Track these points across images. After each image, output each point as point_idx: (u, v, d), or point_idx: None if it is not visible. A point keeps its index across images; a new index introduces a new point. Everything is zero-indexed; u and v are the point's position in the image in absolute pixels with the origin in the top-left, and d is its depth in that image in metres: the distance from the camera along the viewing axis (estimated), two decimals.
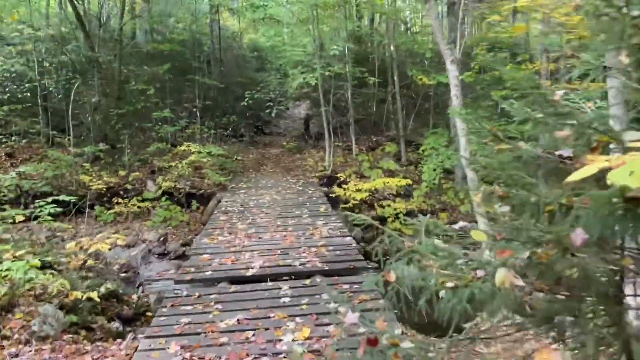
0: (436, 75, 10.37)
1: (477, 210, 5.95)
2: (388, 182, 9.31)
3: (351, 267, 5.24)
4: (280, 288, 4.71)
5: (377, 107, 15.26)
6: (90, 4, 13.55)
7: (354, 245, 6.08)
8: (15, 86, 12.12)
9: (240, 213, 8.16)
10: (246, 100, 11.89)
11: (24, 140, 11.83)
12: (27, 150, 11.72)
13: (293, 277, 5.01)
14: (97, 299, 4.82)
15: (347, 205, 9.95)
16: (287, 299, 4.45)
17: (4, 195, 8.80)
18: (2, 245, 5.35)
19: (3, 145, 11.43)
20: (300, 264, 5.26)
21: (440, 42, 7.31)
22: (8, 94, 12.12)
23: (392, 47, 13.45)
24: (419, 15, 18.32)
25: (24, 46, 12.04)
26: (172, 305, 4.46)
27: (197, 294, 4.67)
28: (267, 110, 12.03)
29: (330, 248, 5.81)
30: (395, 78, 13.03)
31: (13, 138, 11.67)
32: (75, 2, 11.50)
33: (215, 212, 8.47)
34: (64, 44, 12.50)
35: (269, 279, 5.00)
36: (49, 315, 4.25)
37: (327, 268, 5.14)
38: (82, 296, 4.72)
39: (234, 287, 4.83)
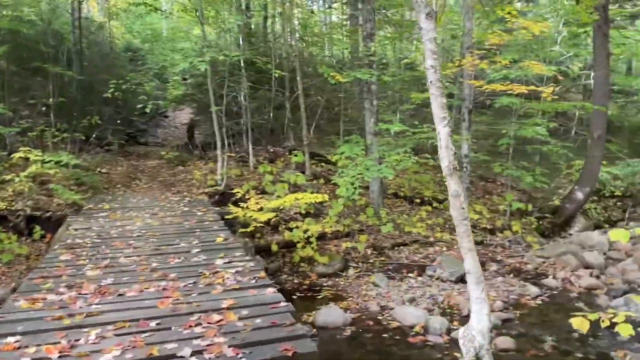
0: (352, 72, 8.58)
1: None
2: (301, 199, 7.26)
3: (289, 351, 2.88)
4: None
5: (274, 113, 13.20)
6: None
7: (284, 304, 3.62)
8: None
9: (94, 249, 5.48)
10: (110, 91, 9.17)
11: None
12: None
13: None
14: None
15: (246, 230, 7.71)
16: None
17: None
18: None
19: None
20: (192, 353, 2.82)
21: None
22: None
23: (293, 42, 11.53)
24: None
25: None
26: None
27: None
28: (143, 109, 9.42)
29: (245, 312, 3.43)
30: (298, 79, 11.09)
31: None
32: None
33: (56, 246, 5.73)
34: None
35: None
36: None
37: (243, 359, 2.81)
38: None
39: None
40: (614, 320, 3.66)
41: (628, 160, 14.89)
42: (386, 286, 7.24)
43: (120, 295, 3.88)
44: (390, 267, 7.93)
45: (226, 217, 7.56)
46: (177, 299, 3.64)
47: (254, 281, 4.13)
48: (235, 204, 8.60)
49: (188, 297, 3.75)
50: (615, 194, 14.29)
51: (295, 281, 7.60)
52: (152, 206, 8.26)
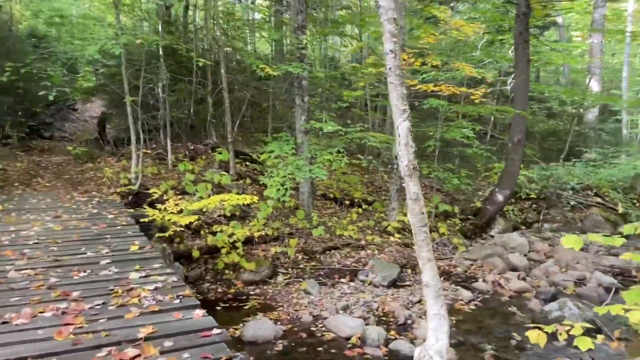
0: (283, 65, 8.07)
1: None
2: (226, 200, 6.65)
3: None
4: None
5: (195, 108, 12.38)
6: None
7: (217, 331, 2.92)
8: None
9: None
10: (6, 75, 7.97)
11: None
12: None
13: None
14: None
15: (164, 234, 6.98)
16: None
17: None
18: None
19: None
20: None
21: None
22: None
23: (218, 32, 10.84)
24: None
25: None
26: None
27: None
28: (47, 98, 8.27)
29: (169, 344, 2.72)
30: (223, 71, 10.40)
31: None
32: None
33: None
34: None
35: None
36: None
37: None
38: None
39: None
40: (571, 332, 3.45)
41: (542, 164, 15.61)
42: (318, 293, 6.82)
43: (4, 323, 3.02)
44: (322, 273, 7.52)
45: (141, 220, 6.78)
46: (80, 327, 2.90)
47: (177, 301, 3.40)
48: (152, 205, 7.81)
49: (95, 323, 2.99)
50: (531, 196, 14.90)
51: (219, 290, 6.98)
52: (54, 208, 7.26)
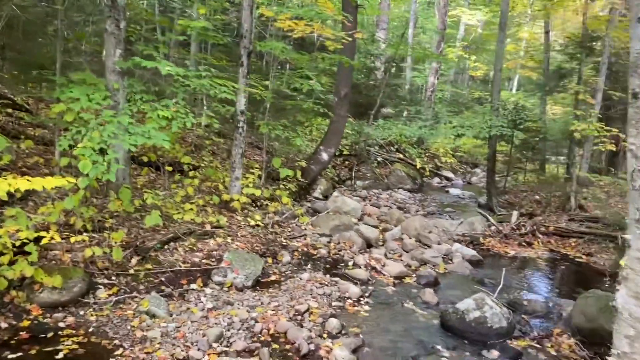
0: None
1: None
2: (13, 185, 3.93)
3: None
4: None
5: None
6: None
7: None
8: None
9: None
10: None
11: None
12: None
13: None
14: None
15: None
16: None
17: None
18: None
19: None
20: None
21: None
22: None
23: None
24: None
25: None
26: None
27: None
28: None
29: None
30: None
31: None
32: None
33: None
34: None
35: None
36: None
37: None
38: None
39: None
40: None
41: (351, 119, 15.28)
42: (167, 313, 4.74)
43: None
44: (163, 279, 5.35)
45: None
46: None
47: None
48: None
49: None
50: (343, 153, 14.50)
51: (3, 325, 4.30)
52: None
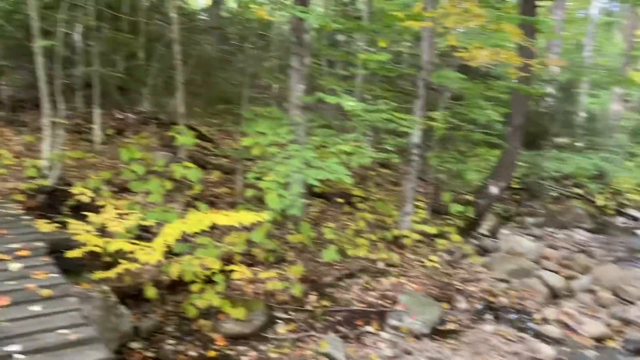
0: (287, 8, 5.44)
1: None
2: (223, 220, 4.07)
3: None
4: None
5: (128, 64, 9.29)
6: None
7: None
8: None
9: None
10: None
11: None
12: None
13: None
14: None
15: (108, 275, 4.30)
16: None
17: None
18: None
19: None
20: None
21: None
22: None
23: None
24: None
25: None
26: None
27: None
28: None
29: None
30: (173, 15, 7.43)
31: None
32: None
33: None
34: None
35: None
36: None
37: None
38: None
39: None
40: None
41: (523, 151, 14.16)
42: (346, 358, 4.53)
43: None
44: (339, 318, 5.20)
45: (65, 252, 4.03)
46: None
47: None
48: (77, 212, 5.05)
49: None
50: (512, 186, 13.44)
51: (191, 353, 4.46)
52: None
